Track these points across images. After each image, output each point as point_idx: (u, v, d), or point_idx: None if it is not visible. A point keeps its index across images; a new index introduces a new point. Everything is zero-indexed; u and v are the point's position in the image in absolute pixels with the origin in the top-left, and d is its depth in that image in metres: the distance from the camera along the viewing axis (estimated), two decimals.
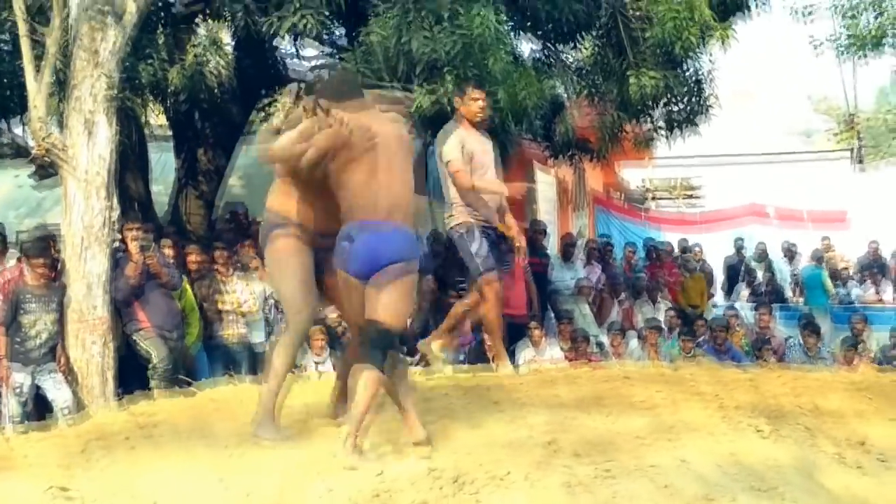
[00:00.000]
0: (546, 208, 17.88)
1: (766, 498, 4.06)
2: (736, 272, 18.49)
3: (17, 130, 13.17)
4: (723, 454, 4.48)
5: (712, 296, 16.68)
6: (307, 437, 5.19)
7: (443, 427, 5.10)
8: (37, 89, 8.90)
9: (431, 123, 9.78)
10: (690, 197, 26.51)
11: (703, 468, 4.27)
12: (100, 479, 4.59)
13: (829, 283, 16.58)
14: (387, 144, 5.20)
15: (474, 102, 7.45)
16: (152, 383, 9.04)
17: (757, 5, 12.80)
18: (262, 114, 14.38)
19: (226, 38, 12.57)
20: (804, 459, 4.55)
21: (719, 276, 18.31)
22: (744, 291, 17.49)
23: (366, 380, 4.82)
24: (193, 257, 10.62)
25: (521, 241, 7.73)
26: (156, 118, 12.74)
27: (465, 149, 7.28)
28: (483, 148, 7.44)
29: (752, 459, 4.44)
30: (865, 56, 22.54)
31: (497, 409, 5.54)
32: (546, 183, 18.11)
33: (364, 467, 4.41)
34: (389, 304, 4.97)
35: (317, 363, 10.56)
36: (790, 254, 18.86)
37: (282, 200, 5.67)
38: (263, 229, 5.80)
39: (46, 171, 10.28)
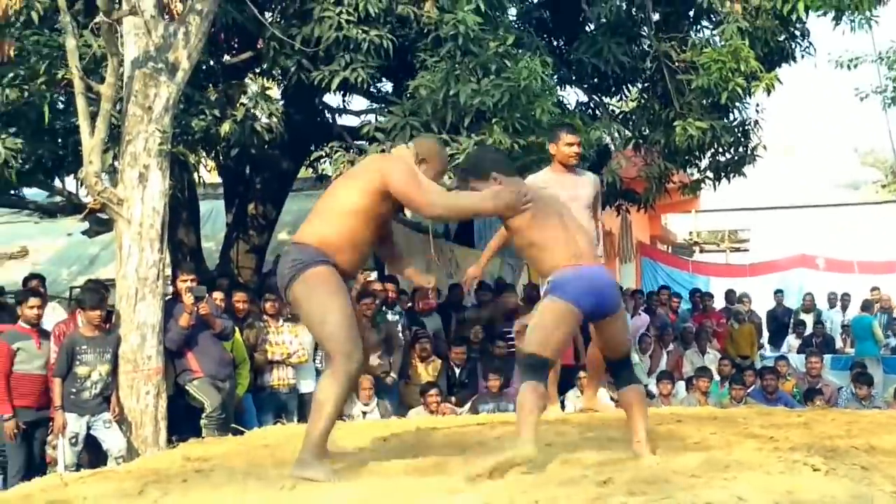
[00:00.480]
0: None
1: None
2: (779, 324, 18.37)
3: (70, 187, 13.43)
4: (780, 492, 4.44)
5: (762, 346, 16.59)
6: (358, 477, 5.20)
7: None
8: (92, 144, 9.09)
9: None
10: (738, 249, 26.43)
11: None
12: None
13: (879, 332, 16.41)
14: (556, 202, 5.75)
15: (569, 147, 7.53)
16: (205, 431, 9.14)
17: (803, 55, 12.87)
18: (311, 168, 14.61)
19: (275, 93, 12.80)
20: (862, 497, 4.49)
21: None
22: (793, 342, 17.36)
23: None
24: (241, 304, 10.74)
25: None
26: (208, 173, 12.95)
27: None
28: (568, 191, 7.33)
29: (809, 497, 4.40)
30: None
31: (550, 450, 5.53)
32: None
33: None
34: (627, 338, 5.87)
35: (364, 412, 10.60)
36: (843, 303, 18.73)
37: (323, 236, 5.43)
38: (294, 263, 5.40)
39: (100, 226, 10.49)
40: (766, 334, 17.96)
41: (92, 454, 9.11)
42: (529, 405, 5.15)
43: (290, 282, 5.39)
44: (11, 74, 10.16)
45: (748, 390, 12.08)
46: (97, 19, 9.06)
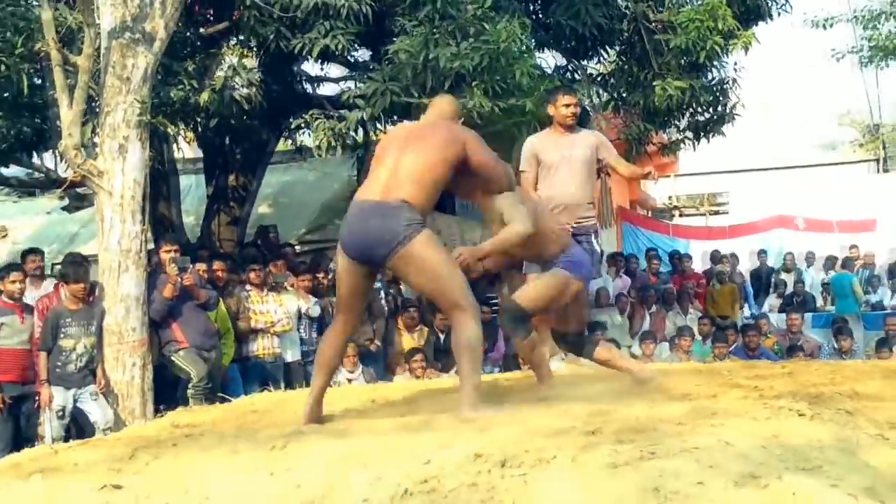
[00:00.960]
0: None
1: (812, 475, 4.06)
2: (761, 283, 18.47)
3: (50, 164, 13.36)
4: (766, 436, 4.48)
5: (743, 306, 16.66)
6: (348, 436, 5.23)
7: (485, 420, 5.16)
8: (70, 117, 9.06)
9: None
10: (717, 212, 26.50)
11: (747, 448, 4.27)
12: (151, 477, 4.64)
13: (858, 289, 16.52)
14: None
15: (566, 108, 7.74)
16: (192, 402, 9.15)
17: (779, 13, 12.89)
18: (290, 139, 14.58)
19: (252, 63, 12.74)
20: (847, 439, 4.54)
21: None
22: (774, 301, 17.45)
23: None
24: (220, 273, 10.73)
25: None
26: (188, 145, 12.92)
27: (534, 155, 7.81)
28: (561, 150, 7.73)
29: (795, 440, 4.44)
30: (887, 65, 22.60)
31: (538, 403, 5.59)
32: None
33: None
34: None
35: (349, 379, 10.64)
36: (830, 262, 18.86)
37: (417, 200, 5.58)
38: (410, 222, 5.51)
39: (80, 202, 10.44)
40: (751, 292, 17.97)
41: (79, 427, 9.13)
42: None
43: (407, 240, 5.48)
44: None
45: (730, 348, 12.17)
46: None
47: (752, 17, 12.51)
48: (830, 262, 18.90)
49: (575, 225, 7.71)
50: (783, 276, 18.29)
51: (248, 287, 10.84)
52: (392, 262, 5.58)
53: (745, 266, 18.77)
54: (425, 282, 5.68)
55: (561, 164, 7.68)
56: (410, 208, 5.52)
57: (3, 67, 10.20)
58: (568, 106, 7.73)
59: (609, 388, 6.13)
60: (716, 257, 17.49)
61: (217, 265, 10.79)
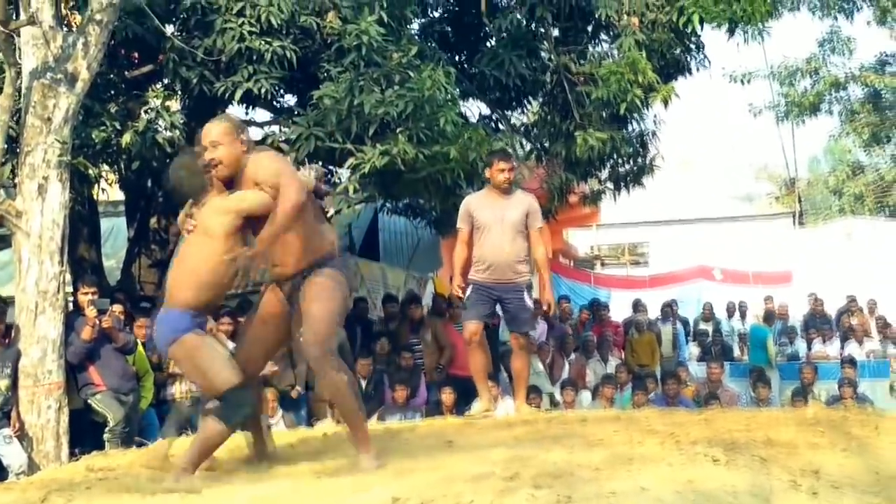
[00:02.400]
0: None
1: None
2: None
3: None
4: (681, 482, 4.55)
5: (662, 356, 16.79)
6: (266, 479, 5.21)
7: (404, 465, 5.16)
8: None
9: (383, 179, 10.08)
10: (637, 263, 26.82)
11: (663, 494, 4.33)
12: None
13: (772, 347, 16.57)
14: None
15: (500, 173, 8.09)
16: (109, 445, 9.02)
17: (698, 67, 13.15)
18: None
19: (176, 106, 12.66)
20: (760, 486, 4.62)
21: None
22: (693, 350, 17.64)
23: None
24: (143, 330, 10.52)
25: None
26: (109, 187, 12.76)
27: (470, 214, 8.14)
28: (495, 212, 8.05)
29: (709, 486, 4.52)
30: (804, 121, 23.18)
31: (458, 449, 5.61)
32: None
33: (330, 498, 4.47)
34: None
35: (269, 426, 10.50)
36: (741, 311, 19.10)
37: None
38: None
39: None
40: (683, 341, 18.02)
41: None
42: None
43: None
44: None
45: (649, 396, 12.29)
46: None
47: (672, 71, 12.75)
48: (743, 309, 19.17)
49: (506, 282, 7.98)
50: (702, 325, 18.50)
51: None
52: None
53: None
54: None
55: (494, 224, 8.00)
56: None
57: None
58: (503, 171, 8.08)
59: (529, 435, 6.18)
60: (638, 307, 17.59)
61: (141, 322, 10.56)
